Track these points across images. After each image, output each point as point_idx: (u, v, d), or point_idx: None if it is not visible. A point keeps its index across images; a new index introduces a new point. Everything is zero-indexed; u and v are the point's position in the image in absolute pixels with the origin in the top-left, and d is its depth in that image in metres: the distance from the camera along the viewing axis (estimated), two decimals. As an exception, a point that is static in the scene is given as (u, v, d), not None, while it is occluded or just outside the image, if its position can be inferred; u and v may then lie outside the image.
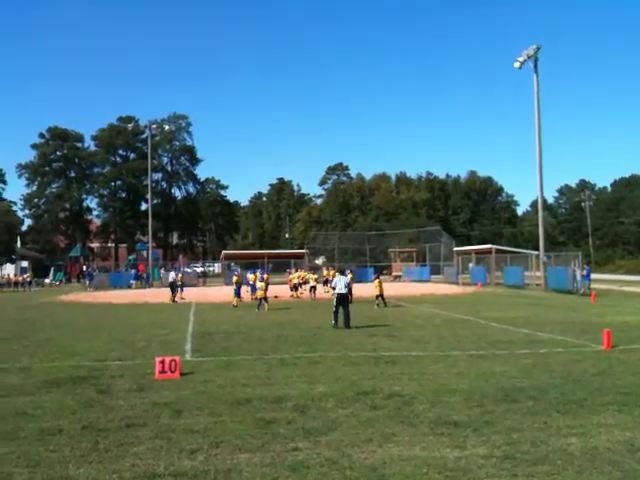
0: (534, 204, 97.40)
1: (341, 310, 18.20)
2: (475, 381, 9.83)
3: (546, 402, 8.38)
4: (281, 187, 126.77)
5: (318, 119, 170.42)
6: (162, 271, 57.78)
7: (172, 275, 32.18)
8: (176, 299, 30.56)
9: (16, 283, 53.73)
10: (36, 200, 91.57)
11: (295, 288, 33.59)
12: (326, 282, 33.52)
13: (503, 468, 5.85)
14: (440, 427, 7.23)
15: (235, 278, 28.70)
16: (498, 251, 47.19)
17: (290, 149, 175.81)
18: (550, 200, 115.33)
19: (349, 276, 30.81)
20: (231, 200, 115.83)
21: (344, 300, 18.46)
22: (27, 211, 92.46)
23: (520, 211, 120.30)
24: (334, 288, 19.15)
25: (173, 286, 30.99)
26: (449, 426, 7.25)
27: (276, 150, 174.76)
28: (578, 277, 33.56)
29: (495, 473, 5.73)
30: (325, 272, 34.29)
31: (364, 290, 31.71)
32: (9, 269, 64.64)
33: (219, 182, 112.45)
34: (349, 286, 28.89)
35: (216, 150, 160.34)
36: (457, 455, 6.24)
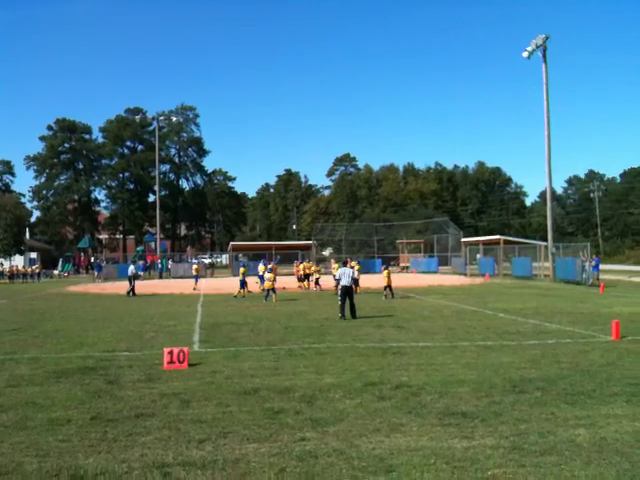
0: (543, 195, 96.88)
1: (347, 302, 18.24)
2: (483, 372, 9.82)
3: (554, 393, 8.36)
4: (288, 178, 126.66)
5: (326, 110, 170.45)
6: (170, 262, 58.01)
7: (131, 268, 31.49)
8: (135, 292, 29.74)
9: (25, 274, 53.98)
10: (44, 192, 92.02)
11: (303, 279, 33.62)
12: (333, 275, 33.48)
13: (511, 459, 5.84)
14: (448, 417, 7.23)
15: (242, 269, 28.72)
16: (506, 242, 47.05)
17: (298, 140, 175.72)
18: (559, 191, 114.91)
19: (356, 267, 30.96)
20: (239, 192, 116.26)
21: (349, 292, 18.45)
22: (36, 203, 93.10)
23: (529, 202, 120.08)
24: (339, 280, 19.10)
25: (131, 279, 30.40)
26: (457, 417, 7.25)
27: (284, 141, 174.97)
28: (587, 268, 33.41)
29: (503, 463, 5.72)
30: (334, 264, 34.27)
31: (372, 281, 31.72)
32: (18, 260, 64.90)
33: (227, 174, 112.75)
34: (356, 277, 29.03)
35: (224, 141, 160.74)
36: (465, 445, 6.23)
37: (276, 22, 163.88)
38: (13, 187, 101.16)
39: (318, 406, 7.84)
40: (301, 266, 35.20)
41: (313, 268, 34.46)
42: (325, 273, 35.79)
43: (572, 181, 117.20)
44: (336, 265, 32.12)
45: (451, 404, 7.84)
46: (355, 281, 28.95)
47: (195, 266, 36.46)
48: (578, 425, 6.90)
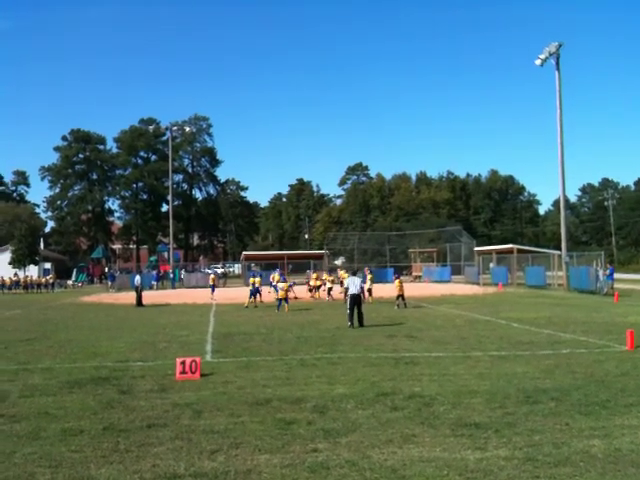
0: (556, 203, 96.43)
1: (355, 310, 18.40)
2: (496, 382, 9.75)
3: (568, 403, 8.29)
4: (301, 188, 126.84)
5: (338, 119, 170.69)
6: (183, 272, 58.17)
7: (137, 279, 31.61)
8: (144, 303, 29.90)
9: (39, 284, 54.36)
10: (59, 202, 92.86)
11: (313, 290, 33.67)
12: (342, 283, 33.50)
13: (525, 470, 5.79)
14: (461, 428, 7.18)
15: (252, 280, 28.82)
16: (520, 251, 46.80)
17: (310, 150, 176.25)
18: (572, 199, 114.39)
19: (368, 276, 30.98)
20: (251, 201, 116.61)
21: (357, 300, 18.62)
22: (50, 213, 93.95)
23: (542, 210, 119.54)
24: (347, 289, 19.22)
25: (138, 289, 30.46)
26: (470, 427, 7.20)
27: (296, 151, 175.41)
28: (601, 277, 33.16)
29: (516, 475, 5.68)
30: (341, 273, 34.28)
31: (384, 291, 31.65)
32: (32, 271, 65.37)
33: (239, 183, 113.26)
34: (368, 286, 29.02)
35: (236, 151, 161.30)
36: (478, 457, 6.19)
37: (288, 31, 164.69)
38: (28, 197, 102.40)
39: (330, 417, 7.82)
40: (314, 275, 35.27)
41: (325, 277, 34.49)
42: (338, 282, 35.71)
43: (586, 189, 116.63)
44: (343, 274, 32.21)
45: (464, 415, 7.79)
46: (369, 290, 29.11)
47: (212, 276, 36.71)
48: (593, 436, 6.83)
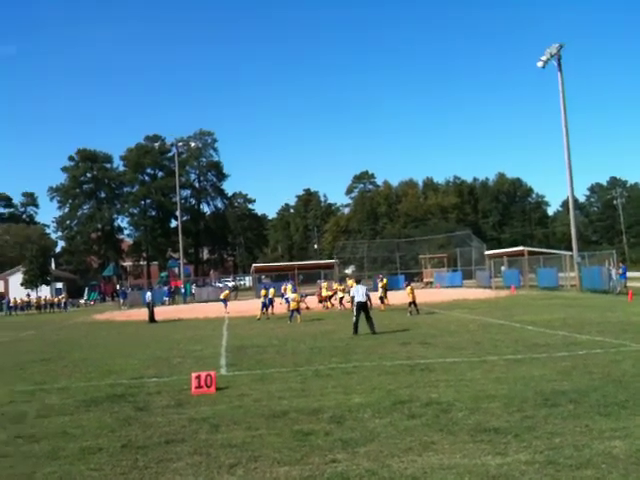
0: (565, 204, 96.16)
1: (364, 319, 18.49)
2: (514, 386, 9.68)
3: (587, 405, 8.22)
4: (308, 198, 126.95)
5: (342, 128, 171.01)
6: (194, 287, 58.29)
7: (148, 295, 31.66)
8: (156, 318, 29.99)
9: (52, 304, 54.66)
10: (68, 222, 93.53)
11: (326, 299, 33.65)
12: (349, 292, 33.41)
13: (546, 474, 5.74)
14: (480, 434, 7.12)
15: (263, 292, 28.89)
16: (530, 253, 46.60)
17: (315, 159, 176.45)
18: (581, 199, 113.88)
19: (380, 283, 30.96)
20: (259, 213, 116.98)
21: (364, 308, 18.75)
22: (60, 233, 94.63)
23: (551, 211, 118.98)
24: (353, 297, 19.31)
25: (149, 305, 30.53)
26: (489, 433, 7.14)
27: (302, 161, 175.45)
28: (614, 276, 32.96)
29: (538, 479, 5.63)
30: (350, 282, 34.26)
31: (395, 298, 31.56)
32: (44, 291, 65.74)
33: (246, 196, 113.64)
34: (380, 293, 29.02)
35: (242, 164, 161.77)
36: (499, 462, 6.14)
37: (290, 42, 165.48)
38: (37, 218, 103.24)
39: (348, 426, 7.78)
40: (324, 284, 35.26)
41: (335, 286, 34.48)
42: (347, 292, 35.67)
43: (594, 188, 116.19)
44: (352, 283, 32.16)
45: (483, 420, 7.73)
46: (381, 298, 29.07)
47: (226, 292, 36.96)
48: (613, 437, 6.76)
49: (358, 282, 21.44)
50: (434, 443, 6.87)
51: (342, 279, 41.96)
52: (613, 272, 33.12)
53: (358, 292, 19.06)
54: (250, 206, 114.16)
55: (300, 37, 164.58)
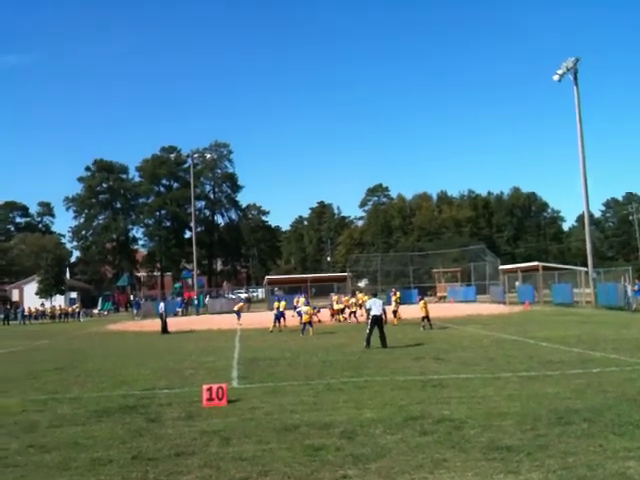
0: (580, 219, 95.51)
1: (377, 332, 18.50)
2: (527, 403, 9.58)
3: (601, 424, 8.11)
4: (322, 210, 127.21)
5: (356, 141, 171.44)
6: (207, 298, 58.41)
7: (161, 306, 31.71)
8: (169, 330, 29.95)
9: (66, 314, 54.97)
10: (84, 232, 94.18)
11: (338, 313, 33.63)
12: (361, 306, 33.33)
13: (560, 494, 5.67)
14: (492, 452, 7.04)
15: (276, 304, 28.92)
16: (545, 268, 46.32)
17: (329, 172, 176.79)
18: (597, 214, 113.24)
19: (393, 297, 30.90)
20: (273, 225, 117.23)
21: (379, 322, 18.73)
22: (75, 243, 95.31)
23: (566, 227, 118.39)
24: (369, 310, 19.26)
25: (162, 316, 30.54)
26: (502, 451, 7.06)
27: (316, 174, 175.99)
28: (629, 293, 32.65)
29: (552, 499, 5.56)
30: (359, 296, 34.17)
31: (408, 312, 31.43)
32: (59, 300, 66.18)
33: (260, 208, 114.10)
34: (393, 307, 29.03)
35: (256, 176, 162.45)
36: (511, 481, 6.07)
37: (307, 52, 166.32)
38: (53, 228, 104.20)
39: (359, 442, 7.73)
40: (335, 298, 35.24)
41: (346, 300, 34.48)
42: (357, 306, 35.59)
43: (610, 204, 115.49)
44: (362, 297, 32.20)
45: (495, 438, 7.65)
46: (394, 312, 28.96)
47: (240, 304, 37.09)
48: (628, 457, 6.66)
49: (374, 295, 21.45)
50: (446, 460, 6.81)
51: (353, 292, 41.92)
52: (629, 288, 32.82)
53: (375, 304, 19.00)
54: (264, 218, 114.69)
55: (313, 49, 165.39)
